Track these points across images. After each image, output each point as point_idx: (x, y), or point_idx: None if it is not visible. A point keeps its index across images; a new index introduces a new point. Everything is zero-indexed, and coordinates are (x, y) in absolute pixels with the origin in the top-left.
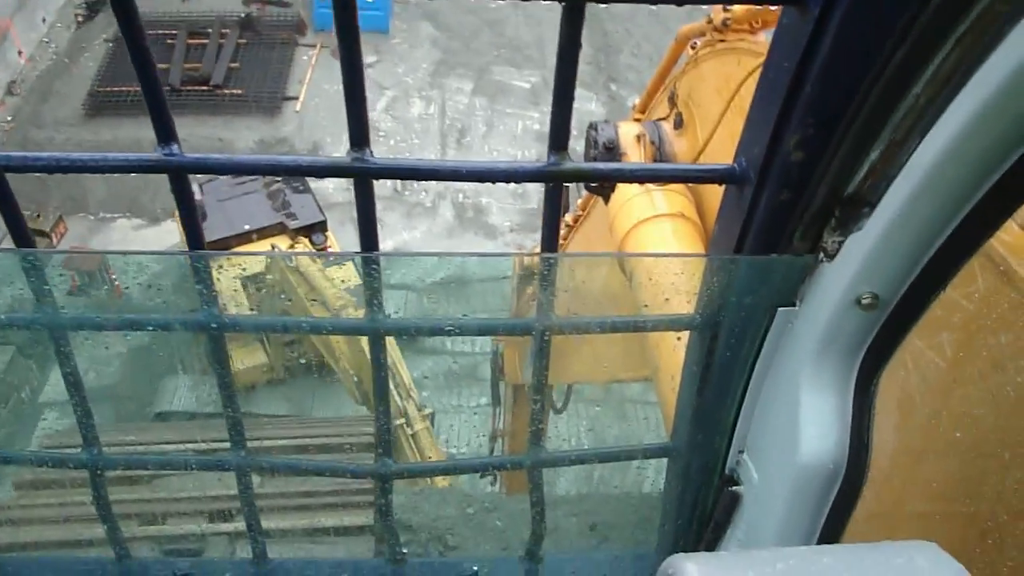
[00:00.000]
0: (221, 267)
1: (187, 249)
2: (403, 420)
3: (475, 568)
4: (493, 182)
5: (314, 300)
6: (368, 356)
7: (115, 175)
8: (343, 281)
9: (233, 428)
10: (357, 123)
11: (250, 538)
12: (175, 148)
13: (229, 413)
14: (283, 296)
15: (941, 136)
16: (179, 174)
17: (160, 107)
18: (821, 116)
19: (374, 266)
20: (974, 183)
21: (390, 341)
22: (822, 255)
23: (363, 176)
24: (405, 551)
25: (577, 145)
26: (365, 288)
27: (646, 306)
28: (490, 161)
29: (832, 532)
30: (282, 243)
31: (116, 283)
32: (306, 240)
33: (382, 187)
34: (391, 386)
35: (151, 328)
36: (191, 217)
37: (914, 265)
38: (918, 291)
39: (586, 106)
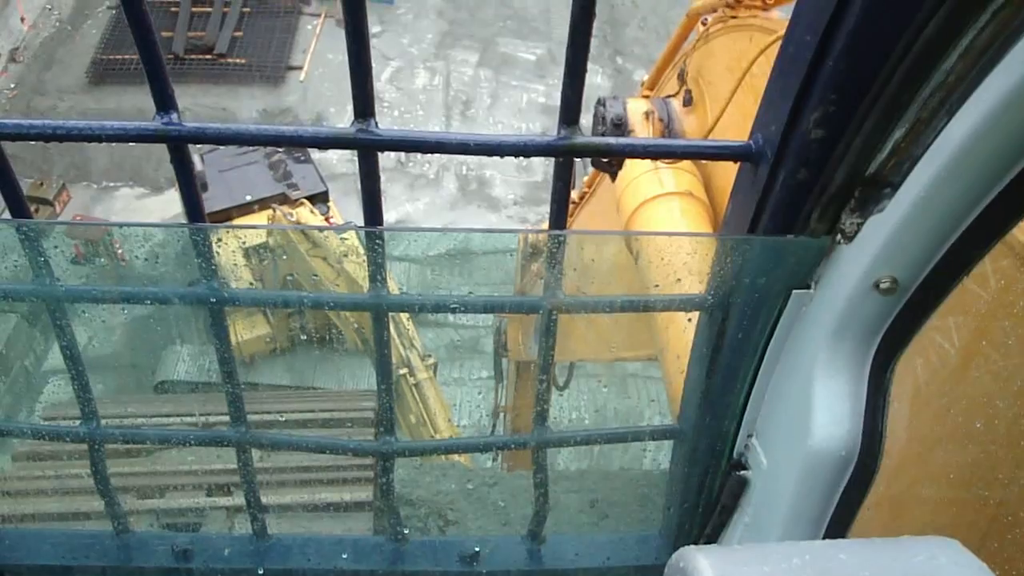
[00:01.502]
0: (220, 240)
1: (187, 221)
2: (406, 370)
3: (477, 548)
4: (502, 156)
5: (316, 254)
6: None
7: (118, 144)
8: (344, 238)
9: (233, 403)
10: (362, 94)
11: (250, 514)
12: (175, 117)
13: (229, 388)
14: (284, 256)
15: (971, 115)
16: (178, 144)
17: (159, 76)
18: (844, 92)
19: (378, 240)
20: (1003, 166)
21: (391, 285)
22: (840, 237)
23: (367, 148)
24: (407, 530)
25: (584, 119)
26: (369, 263)
27: (656, 286)
28: (499, 135)
29: (842, 520)
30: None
31: (120, 252)
32: (308, 204)
33: (385, 159)
34: (394, 334)
35: (149, 302)
36: (190, 188)
37: (936, 249)
38: (939, 276)
39: (592, 79)
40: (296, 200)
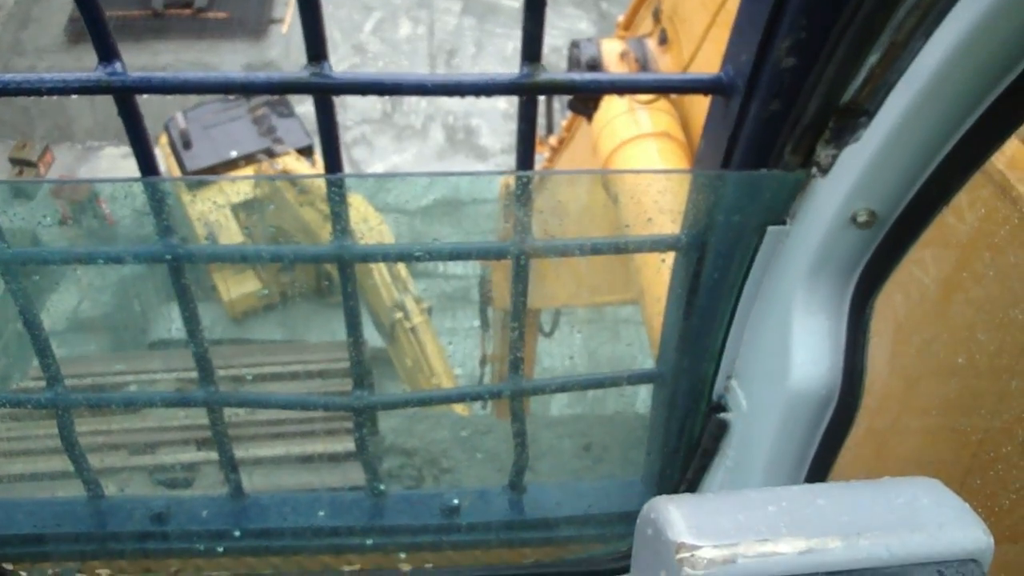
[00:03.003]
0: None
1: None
2: (401, 314)
3: (456, 501)
4: (463, 96)
5: (304, 201)
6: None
7: (101, 103)
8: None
9: (200, 363)
10: (313, 35)
11: (224, 475)
12: (118, 67)
13: (194, 349)
14: (272, 207)
15: (947, 38)
16: (124, 95)
17: (99, 25)
18: (815, 18)
19: (337, 188)
20: (981, 91)
21: (385, 232)
22: (815, 169)
23: (323, 92)
24: (383, 487)
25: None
26: (331, 212)
27: (627, 226)
28: (460, 74)
29: (824, 460)
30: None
31: (107, 212)
32: (293, 152)
33: (371, 110)
34: (388, 279)
35: (102, 262)
36: (142, 141)
37: (914, 180)
38: (917, 208)
39: (576, 25)
40: (281, 154)
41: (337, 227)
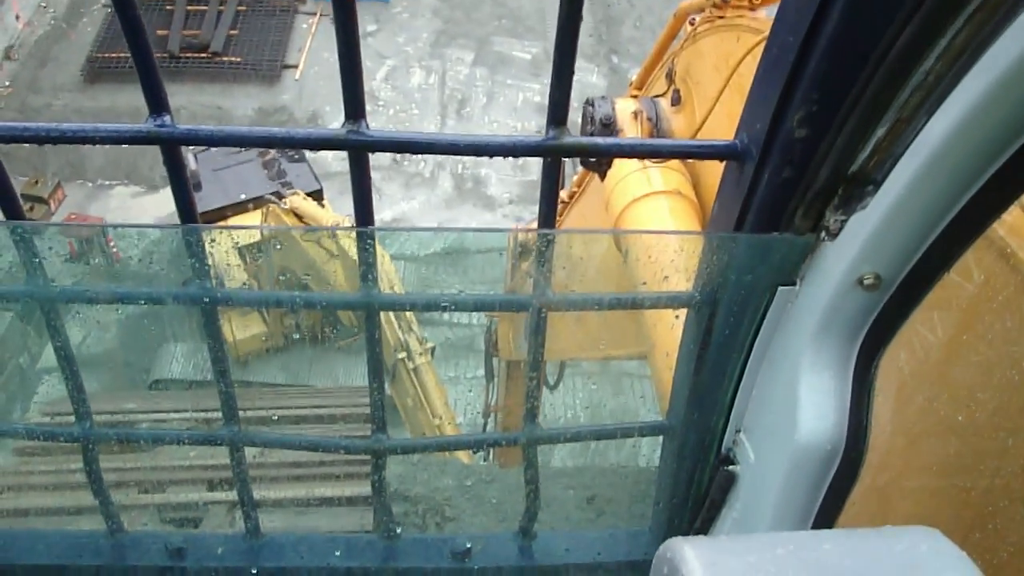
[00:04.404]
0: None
1: (180, 221)
2: (404, 354)
3: (468, 544)
4: (491, 156)
5: (309, 238)
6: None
7: None
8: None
9: (226, 403)
10: (352, 96)
11: (243, 512)
12: (167, 119)
13: (222, 387)
14: (278, 247)
15: (949, 115)
16: (171, 146)
17: (152, 78)
18: (826, 92)
19: (369, 241)
20: (981, 164)
21: (388, 267)
22: (824, 234)
23: (358, 149)
24: (399, 529)
25: (577, 117)
26: (360, 263)
27: (644, 283)
28: (488, 135)
29: (829, 513)
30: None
31: (115, 250)
32: (301, 192)
33: (381, 157)
34: (392, 317)
35: (144, 302)
36: (183, 189)
37: (918, 246)
38: (921, 272)
39: (587, 78)
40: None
41: (369, 277)
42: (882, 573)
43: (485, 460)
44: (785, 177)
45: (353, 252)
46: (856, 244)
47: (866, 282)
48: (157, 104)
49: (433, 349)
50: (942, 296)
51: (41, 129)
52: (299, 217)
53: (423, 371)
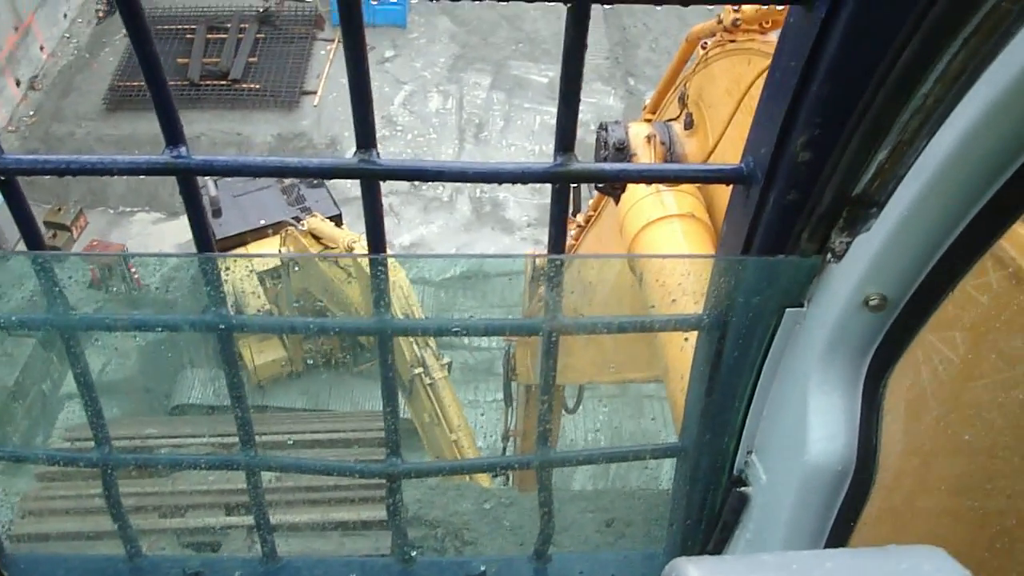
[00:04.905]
0: (227, 268)
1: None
2: (421, 369)
3: (483, 568)
4: (500, 183)
5: (325, 255)
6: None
7: None
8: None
9: (243, 427)
10: (363, 126)
11: (260, 536)
12: (183, 151)
13: (238, 413)
14: (296, 268)
15: (950, 136)
16: (187, 176)
17: (168, 110)
18: (828, 116)
19: (381, 267)
20: (983, 183)
21: (406, 287)
22: (830, 256)
23: (370, 178)
24: (414, 552)
25: (593, 139)
26: (373, 289)
27: (653, 307)
28: (497, 163)
29: (840, 533)
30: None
31: (136, 276)
32: (318, 214)
33: (399, 182)
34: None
35: (160, 329)
36: (200, 218)
37: (923, 266)
38: (926, 292)
39: (604, 101)
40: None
41: (381, 303)
42: None
43: (505, 484)
44: (790, 200)
45: (368, 267)
46: (861, 265)
47: (872, 303)
48: (173, 136)
49: (449, 365)
50: (949, 315)
51: (61, 162)
52: (316, 238)
53: (440, 387)
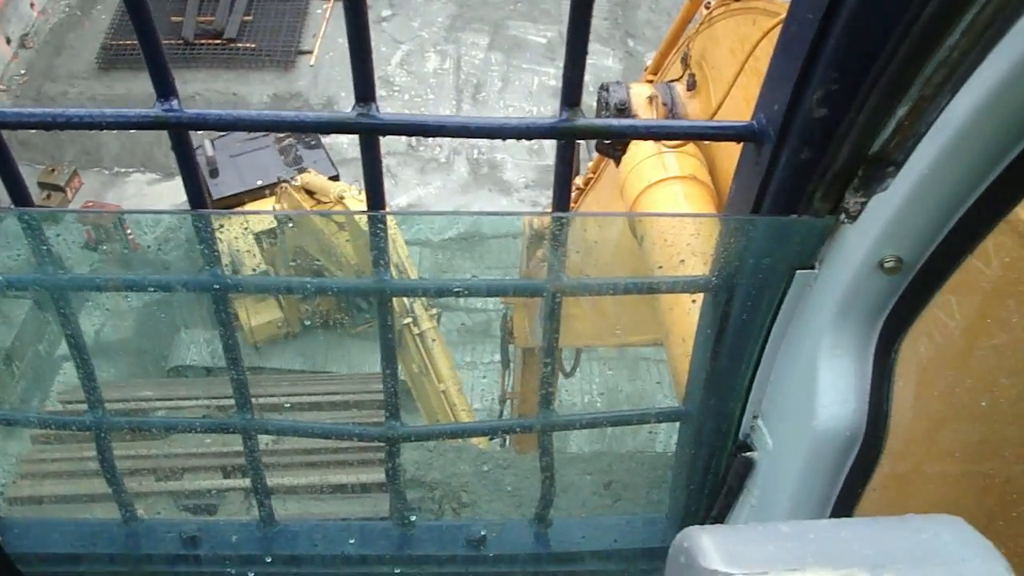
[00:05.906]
0: (222, 226)
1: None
2: (410, 319)
3: (483, 532)
4: (504, 139)
5: (321, 212)
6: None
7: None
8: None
9: (238, 390)
10: (362, 79)
11: (256, 500)
12: (175, 104)
13: (234, 375)
14: (291, 225)
15: (974, 92)
16: (179, 131)
17: (159, 61)
18: (846, 71)
19: (380, 225)
20: (1007, 143)
21: (396, 239)
22: (844, 216)
23: (369, 132)
24: (413, 517)
25: (592, 102)
26: (372, 247)
27: (660, 268)
28: (501, 118)
29: (848, 500)
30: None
31: (131, 236)
32: (311, 170)
33: (396, 143)
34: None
35: (153, 289)
36: (193, 175)
37: (940, 228)
38: (943, 255)
39: (603, 62)
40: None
41: (380, 262)
42: (905, 562)
43: (502, 446)
44: (804, 158)
45: (361, 222)
46: (877, 226)
47: (887, 265)
48: (164, 88)
49: (439, 315)
50: (964, 280)
51: (48, 115)
52: (310, 193)
53: (428, 336)
